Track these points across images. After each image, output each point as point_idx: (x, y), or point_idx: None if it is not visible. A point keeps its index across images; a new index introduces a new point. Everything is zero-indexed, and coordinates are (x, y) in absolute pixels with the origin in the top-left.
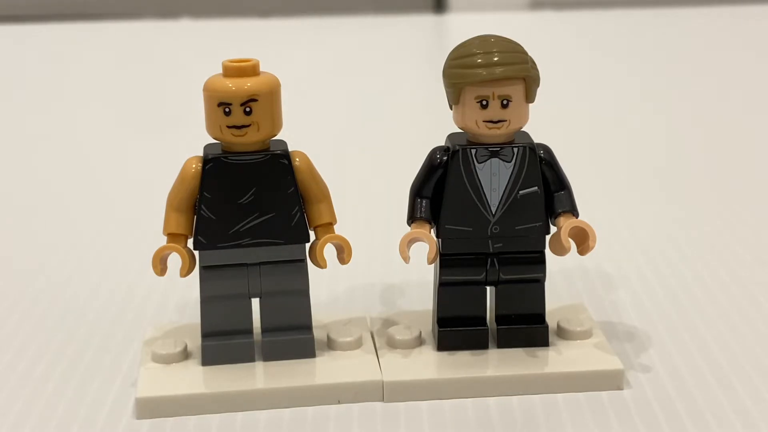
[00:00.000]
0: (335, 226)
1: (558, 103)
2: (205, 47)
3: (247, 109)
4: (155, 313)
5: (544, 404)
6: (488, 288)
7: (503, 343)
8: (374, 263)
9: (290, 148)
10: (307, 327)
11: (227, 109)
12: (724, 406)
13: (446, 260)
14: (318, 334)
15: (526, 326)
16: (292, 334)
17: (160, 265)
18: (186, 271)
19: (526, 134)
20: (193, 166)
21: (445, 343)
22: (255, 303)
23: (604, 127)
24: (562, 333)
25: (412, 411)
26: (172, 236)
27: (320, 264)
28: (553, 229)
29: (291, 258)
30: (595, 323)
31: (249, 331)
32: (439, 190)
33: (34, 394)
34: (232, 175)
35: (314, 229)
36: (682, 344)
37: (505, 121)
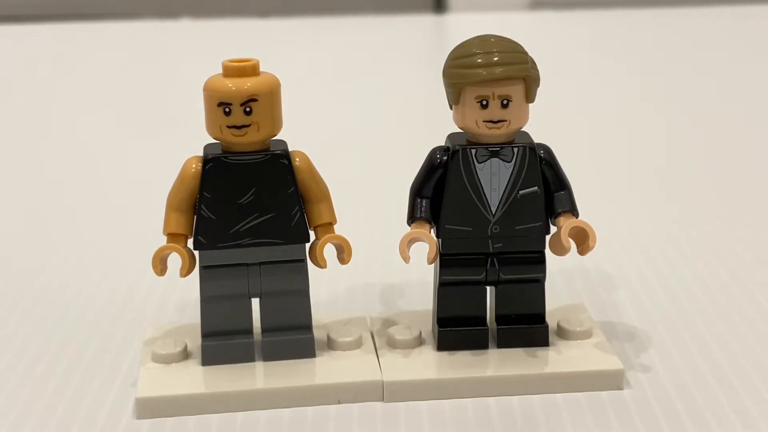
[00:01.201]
0: (335, 226)
1: (558, 103)
2: (205, 47)
3: (247, 109)
4: (155, 313)
5: (544, 404)
6: (488, 288)
7: (503, 343)
8: (374, 263)
9: (290, 148)
10: (307, 327)
11: (227, 109)
12: (724, 406)
13: (446, 260)
14: (318, 334)
15: (526, 326)
16: (292, 334)
17: (160, 265)
18: (186, 271)
19: (526, 134)
20: (193, 166)
21: (445, 343)
22: (255, 303)
23: (604, 127)
24: (562, 333)
25: (412, 411)
26: (172, 236)
27: (320, 264)
28: (553, 229)
29: (291, 258)
30: (595, 323)
31: (249, 331)
32: (439, 190)
33: (34, 394)
34: (232, 175)
35: (314, 229)
36: (682, 344)
37: (505, 121)
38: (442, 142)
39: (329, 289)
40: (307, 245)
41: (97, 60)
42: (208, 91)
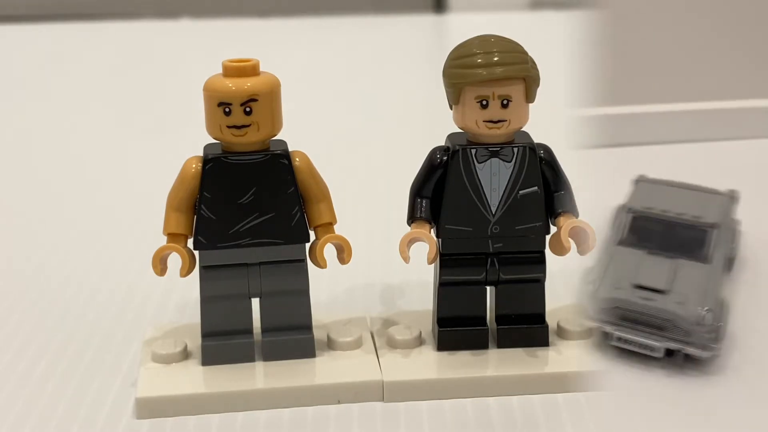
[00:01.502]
0: (335, 226)
1: (558, 103)
2: (205, 47)
3: (247, 109)
4: (155, 313)
5: (544, 404)
6: (488, 288)
7: (503, 343)
8: (374, 263)
9: (290, 148)
10: (307, 327)
11: (227, 109)
12: None
13: (446, 260)
14: (318, 334)
15: (526, 326)
16: (292, 334)
17: (160, 265)
18: (186, 271)
19: (526, 134)
20: (193, 166)
21: (445, 343)
22: (255, 303)
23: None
24: (562, 333)
25: (412, 411)
26: (172, 236)
27: (320, 264)
28: (553, 229)
29: (291, 258)
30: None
31: (249, 331)
32: (439, 190)
33: (34, 394)
34: (232, 175)
35: (314, 229)
36: None
37: (505, 121)
38: (442, 142)
39: (329, 289)
40: (307, 245)
41: (96, 60)
42: (208, 91)
